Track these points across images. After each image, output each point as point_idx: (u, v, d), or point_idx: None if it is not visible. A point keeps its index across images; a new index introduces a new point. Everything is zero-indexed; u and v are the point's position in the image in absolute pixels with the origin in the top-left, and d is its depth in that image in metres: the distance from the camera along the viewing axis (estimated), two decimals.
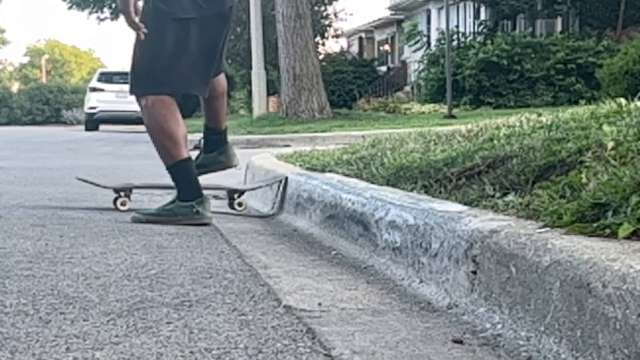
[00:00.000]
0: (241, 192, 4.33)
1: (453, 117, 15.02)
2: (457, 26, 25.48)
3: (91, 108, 25.37)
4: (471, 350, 1.72)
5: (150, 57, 3.67)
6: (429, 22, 30.90)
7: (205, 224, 3.60)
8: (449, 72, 16.39)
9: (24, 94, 48.89)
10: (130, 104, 25.18)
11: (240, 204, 4.23)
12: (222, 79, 3.97)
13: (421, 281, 2.30)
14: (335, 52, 32.67)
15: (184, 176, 3.69)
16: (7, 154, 10.32)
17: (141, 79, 3.71)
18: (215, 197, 4.98)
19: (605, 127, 2.63)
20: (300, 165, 4.54)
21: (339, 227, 3.08)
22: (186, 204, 3.64)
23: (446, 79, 16.47)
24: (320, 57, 26.24)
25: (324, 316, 1.97)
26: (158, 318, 1.92)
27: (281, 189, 4.07)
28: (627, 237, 1.71)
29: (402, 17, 34.53)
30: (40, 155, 9.98)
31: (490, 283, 1.91)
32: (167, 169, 3.73)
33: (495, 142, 3.39)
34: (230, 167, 4.17)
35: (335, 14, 31.20)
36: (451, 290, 2.10)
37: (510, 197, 2.32)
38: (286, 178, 4.05)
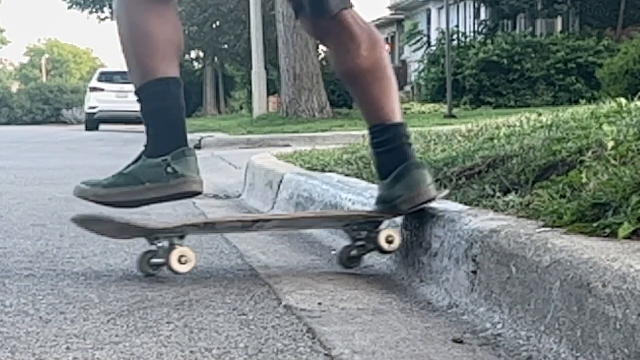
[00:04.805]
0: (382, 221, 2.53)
1: (453, 116, 15.01)
2: (457, 26, 25.47)
3: (91, 108, 25.41)
4: (471, 350, 1.72)
5: None
6: (429, 22, 30.91)
7: (190, 194, 2.39)
8: (449, 71, 16.38)
9: (24, 93, 48.95)
10: (130, 104, 25.36)
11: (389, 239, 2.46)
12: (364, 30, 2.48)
13: (421, 281, 2.30)
14: None
15: (157, 110, 2.38)
16: (7, 153, 10.32)
17: None
18: (216, 196, 4.98)
19: (605, 127, 2.63)
20: (301, 165, 4.54)
21: None
22: (156, 160, 2.35)
23: (446, 78, 16.46)
24: (320, 56, 26.23)
25: (324, 316, 1.97)
26: (158, 318, 1.92)
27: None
28: (627, 237, 1.71)
29: (402, 16, 34.54)
30: (40, 155, 9.98)
31: (490, 283, 1.91)
32: (135, 94, 2.42)
33: (495, 141, 3.39)
34: (421, 204, 2.39)
35: None
36: (451, 290, 2.10)
37: (510, 197, 2.32)
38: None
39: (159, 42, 2.35)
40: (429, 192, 2.40)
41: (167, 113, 2.37)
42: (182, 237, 2.34)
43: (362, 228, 2.51)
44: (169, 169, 2.32)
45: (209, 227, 2.48)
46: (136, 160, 2.39)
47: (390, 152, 2.44)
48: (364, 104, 2.51)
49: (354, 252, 2.54)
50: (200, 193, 2.42)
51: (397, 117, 2.46)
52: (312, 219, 2.78)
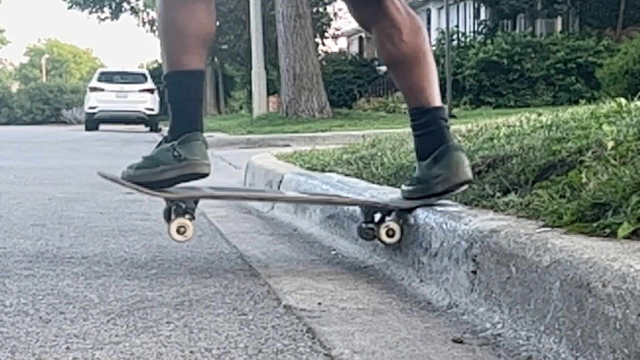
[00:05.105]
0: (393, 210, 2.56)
1: (453, 116, 15.00)
2: (457, 26, 25.49)
3: (91, 108, 25.41)
4: (471, 350, 1.72)
5: None
6: (429, 22, 30.91)
7: (197, 175, 2.52)
8: (449, 71, 16.39)
9: (24, 93, 48.97)
10: (130, 104, 25.45)
11: (390, 232, 2.51)
12: (405, 19, 2.63)
13: (421, 281, 2.30)
14: (335, 52, 32.67)
15: (175, 99, 2.56)
16: (7, 153, 10.32)
17: None
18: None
19: (605, 127, 2.63)
20: (300, 165, 4.54)
21: (339, 227, 3.08)
22: (167, 145, 2.53)
23: (446, 78, 16.46)
24: (320, 57, 26.23)
25: (324, 316, 1.97)
26: (158, 318, 1.93)
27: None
28: (627, 237, 1.71)
29: None
30: (40, 155, 9.98)
31: (490, 283, 1.91)
32: (163, 80, 2.63)
33: (495, 141, 3.39)
34: (457, 185, 2.51)
35: (335, 13, 31.24)
36: (451, 290, 2.10)
37: (510, 197, 2.32)
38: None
39: (185, 36, 2.51)
40: (467, 174, 2.49)
41: (182, 102, 2.55)
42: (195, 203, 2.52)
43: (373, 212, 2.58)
44: (175, 153, 2.49)
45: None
46: (159, 145, 2.60)
47: (430, 134, 2.56)
48: (405, 88, 2.65)
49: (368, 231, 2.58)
50: (207, 175, 2.54)
51: (437, 102, 2.59)
52: (317, 202, 2.92)
